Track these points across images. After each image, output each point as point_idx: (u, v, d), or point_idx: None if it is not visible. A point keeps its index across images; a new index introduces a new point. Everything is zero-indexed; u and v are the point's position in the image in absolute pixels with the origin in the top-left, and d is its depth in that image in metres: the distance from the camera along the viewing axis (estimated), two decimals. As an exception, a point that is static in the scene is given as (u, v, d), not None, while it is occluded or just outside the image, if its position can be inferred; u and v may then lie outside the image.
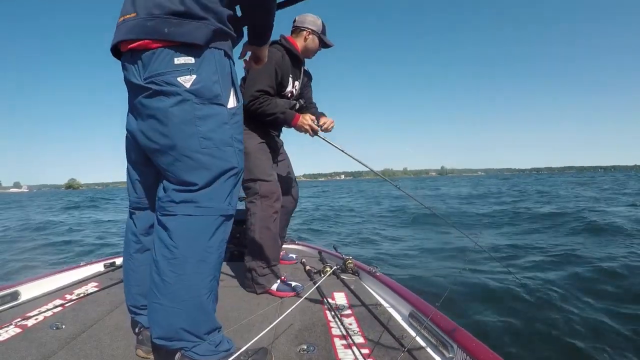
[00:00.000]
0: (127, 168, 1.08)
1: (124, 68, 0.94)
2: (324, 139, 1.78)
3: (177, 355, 0.92)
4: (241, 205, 1.81)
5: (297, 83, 1.92)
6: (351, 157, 1.75)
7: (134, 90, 0.92)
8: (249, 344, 0.96)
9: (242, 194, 2.30)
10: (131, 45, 0.89)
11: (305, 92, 2.07)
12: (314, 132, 1.78)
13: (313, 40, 1.89)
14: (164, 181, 0.94)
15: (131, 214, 1.10)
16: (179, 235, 0.89)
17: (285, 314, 1.10)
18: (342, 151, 1.75)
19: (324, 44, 1.95)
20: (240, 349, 0.96)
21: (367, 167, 1.70)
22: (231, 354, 0.92)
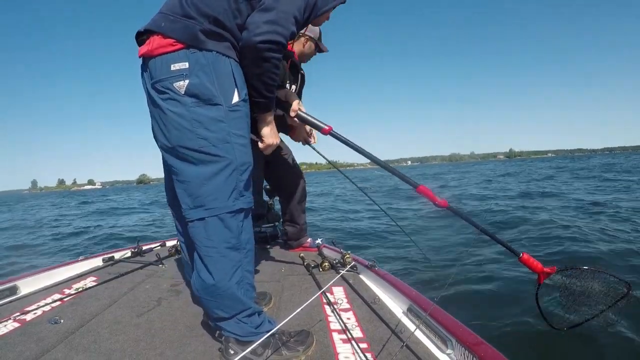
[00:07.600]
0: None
1: (141, 75, 1.03)
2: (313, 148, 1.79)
3: (224, 337, 1.05)
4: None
5: (294, 87, 1.98)
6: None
7: (147, 95, 1.03)
8: (280, 324, 1.00)
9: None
10: (142, 52, 0.98)
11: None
12: (306, 142, 1.83)
13: (310, 47, 1.96)
14: (176, 189, 1.03)
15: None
16: (200, 238, 1.00)
17: (285, 309, 1.09)
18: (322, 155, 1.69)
19: (319, 50, 2.01)
20: (283, 330, 1.06)
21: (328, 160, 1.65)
22: (272, 334, 1.02)
